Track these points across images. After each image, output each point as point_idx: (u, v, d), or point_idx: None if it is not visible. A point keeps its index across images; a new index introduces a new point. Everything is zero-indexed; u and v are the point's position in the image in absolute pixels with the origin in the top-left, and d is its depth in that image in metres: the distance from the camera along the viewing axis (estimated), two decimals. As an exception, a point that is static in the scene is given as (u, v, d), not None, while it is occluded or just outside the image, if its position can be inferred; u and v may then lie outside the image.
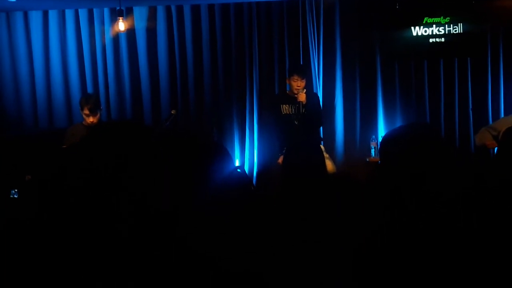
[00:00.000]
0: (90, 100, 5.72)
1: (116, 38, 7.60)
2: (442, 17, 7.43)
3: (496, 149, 5.54)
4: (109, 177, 1.41)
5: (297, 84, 6.17)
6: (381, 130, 7.57)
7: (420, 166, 1.90)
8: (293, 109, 6.25)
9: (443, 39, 7.45)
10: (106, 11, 7.57)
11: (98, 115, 5.76)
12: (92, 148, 1.45)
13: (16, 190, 4.44)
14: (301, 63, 7.45)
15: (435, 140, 2.26)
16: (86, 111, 5.69)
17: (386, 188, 1.78)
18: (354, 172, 7.02)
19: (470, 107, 7.51)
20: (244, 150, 7.69)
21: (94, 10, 7.59)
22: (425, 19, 7.44)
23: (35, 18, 7.62)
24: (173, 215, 1.50)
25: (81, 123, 5.89)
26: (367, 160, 7.29)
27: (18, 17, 7.62)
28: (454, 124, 7.54)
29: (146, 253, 1.40)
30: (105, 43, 7.62)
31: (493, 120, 7.21)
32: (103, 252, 1.38)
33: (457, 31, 7.42)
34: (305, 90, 6.21)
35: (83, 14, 7.60)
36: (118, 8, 6.64)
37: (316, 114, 6.30)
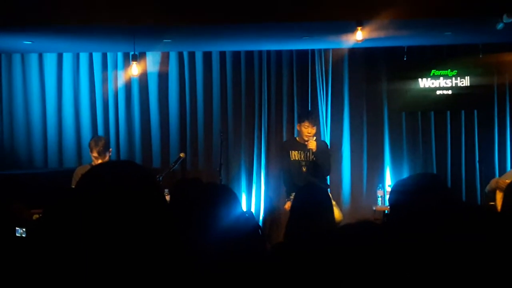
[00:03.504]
0: (100, 143, 5.76)
1: (129, 81, 7.72)
2: (449, 70, 7.54)
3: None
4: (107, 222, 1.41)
5: (308, 131, 6.15)
6: (388, 179, 7.59)
7: (428, 216, 1.95)
8: (302, 156, 6.27)
9: (450, 92, 7.54)
10: (119, 55, 7.72)
11: (107, 157, 5.81)
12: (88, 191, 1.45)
13: (24, 229, 4.45)
14: (309, 110, 7.51)
15: (443, 191, 2.30)
16: (95, 154, 5.73)
17: (395, 237, 1.81)
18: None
19: (477, 159, 7.53)
20: (251, 195, 7.71)
21: (108, 54, 7.74)
22: (433, 71, 7.54)
23: (50, 60, 7.75)
24: (177, 258, 1.51)
25: (90, 164, 5.94)
26: (374, 208, 7.28)
27: (33, 58, 7.75)
28: (461, 175, 7.56)
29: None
30: (117, 86, 7.74)
31: (499, 173, 7.22)
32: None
33: (464, 84, 7.51)
34: (315, 137, 6.24)
35: (97, 57, 7.74)
36: (132, 53, 6.77)
37: (325, 162, 6.30)
